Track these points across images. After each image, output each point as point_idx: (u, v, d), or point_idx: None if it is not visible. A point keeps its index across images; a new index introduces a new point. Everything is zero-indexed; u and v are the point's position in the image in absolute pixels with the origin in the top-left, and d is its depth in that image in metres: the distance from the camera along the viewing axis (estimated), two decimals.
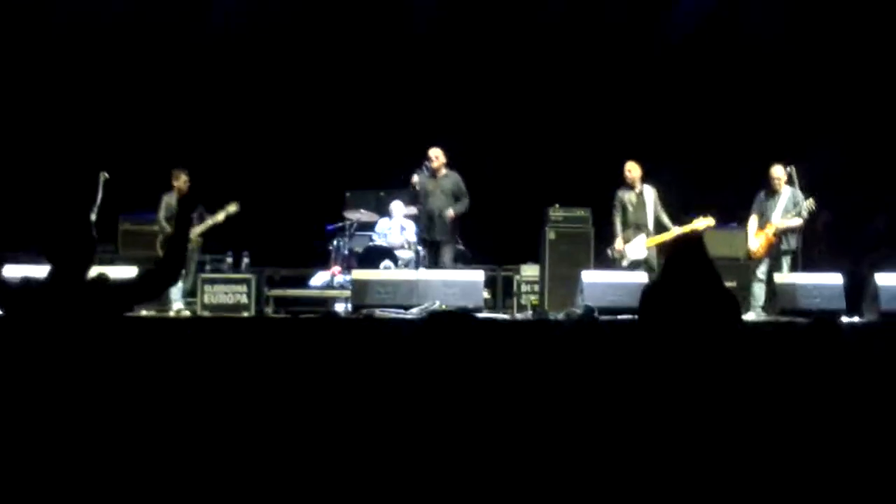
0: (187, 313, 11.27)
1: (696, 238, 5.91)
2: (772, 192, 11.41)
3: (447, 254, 11.70)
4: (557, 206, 12.21)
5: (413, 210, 12.49)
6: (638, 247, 11.38)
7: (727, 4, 14.48)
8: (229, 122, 14.16)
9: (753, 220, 11.44)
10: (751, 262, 11.54)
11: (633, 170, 11.65)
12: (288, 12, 14.31)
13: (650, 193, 11.57)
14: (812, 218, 11.47)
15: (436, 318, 3.18)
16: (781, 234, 11.32)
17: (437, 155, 11.64)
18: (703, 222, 11.17)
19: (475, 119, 14.24)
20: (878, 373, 5.63)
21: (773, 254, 11.35)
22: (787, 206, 11.32)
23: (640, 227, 11.47)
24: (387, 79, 14.47)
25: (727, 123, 14.05)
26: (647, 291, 5.50)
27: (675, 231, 11.17)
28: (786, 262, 11.39)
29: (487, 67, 14.45)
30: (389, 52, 14.50)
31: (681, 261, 5.45)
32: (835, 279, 11.13)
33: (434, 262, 11.66)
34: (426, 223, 11.73)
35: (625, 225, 11.52)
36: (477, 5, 14.53)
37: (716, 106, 14.20)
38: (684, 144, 11.42)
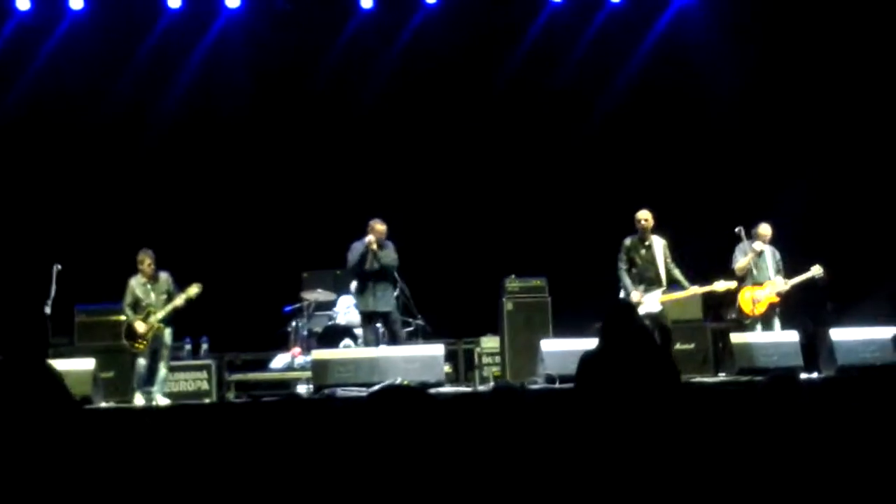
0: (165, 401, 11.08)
1: (626, 306, 6.01)
2: (758, 252, 11.54)
3: (397, 323, 11.70)
4: (513, 276, 12.28)
5: None
6: (653, 300, 10.99)
7: (669, 68, 14.75)
8: (183, 207, 14.16)
9: (749, 281, 11.54)
10: (748, 319, 11.63)
11: (647, 218, 11.21)
12: (242, 99, 14.43)
13: (659, 244, 11.24)
14: (814, 281, 11.70)
15: (380, 395, 3.19)
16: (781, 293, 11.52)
17: (378, 227, 11.57)
18: (723, 284, 11.22)
19: (429, 194, 14.33)
20: (838, 428, 5.68)
21: (770, 312, 11.52)
22: (776, 264, 11.52)
23: (652, 282, 11.11)
24: (340, 157, 14.56)
25: (684, 182, 14.23)
26: (586, 359, 5.57)
27: (695, 290, 11.21)
28: (777, 319, 11.54)
29: (439, 144, 14.59)
30: (342, 132, 14.63)
31: (614, 328, 5.53)
32: (791, 336, 11.27)
33: (385, 334, 11.63)
34: (373, 295, 11.63)
35: (631, 277, 11.13)
36: (428, 82, 14.70)
37: (666, 169, 14.40)
38: (639, 206, 11.44)
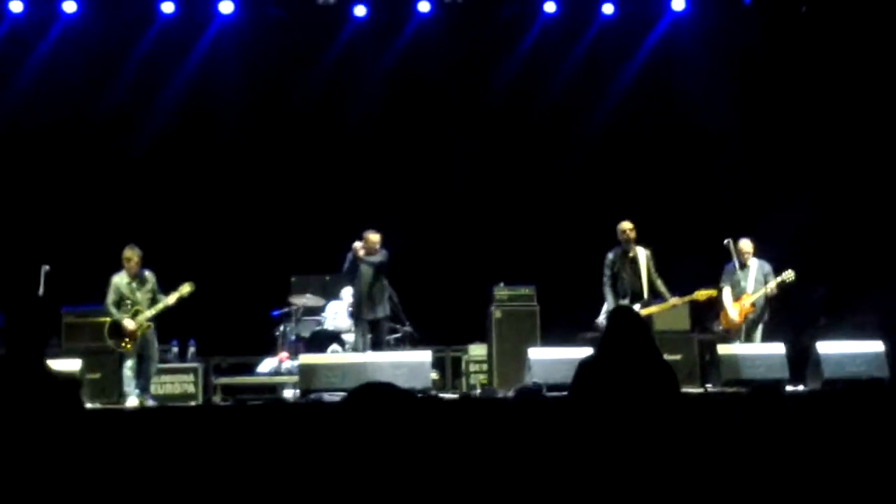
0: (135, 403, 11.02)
1: (632, 311, 5.99)
2: (742, 265, 11.63)
3: (384, 331, 11.75)
4: (502, 284, 12.30)
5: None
6: None
7: (669, 84, 14.83)
8: (173, 209, 14.16)
9: (727, 292, 11.62)
10: (729, 333, 11.70)
11: (629, 229, 11.30)
12: (235, 104, 14.44)
13: (643, 256, 11.29)
14: (808, 293, 11.74)
15: (356, 394, 3.19)
16: (755, 305, 11.57)
17: (371, 237, 11.64)
18: (703, 292, 11.29)
19: (419, 201, 14.35)
20: (822, 441, 5.69)
21: (748, 324, 11.56)
22: (757, 277, 11.58)
23: (635, 296, 11.18)
24: (331, 163, 14.59)
25: (673, 197, 14.30)
26: (582, 366, 5.55)
27: (675, 301, 11.26)
28: (759, 331, 11.63)
29: (430, 152, 14.63)
30: (333, 138, 14.66)
31: (619, 334, 5.51)
32: (777, 349, 11.29)
33: (375, 341, 11.67)
34: (366, 302, 11.70)
35: (616, 291, 11.24)
36: (420, 90, 14.74)
37: (661, 180, 14.47)
38: (626, 218, 11.50)
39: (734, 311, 11.62)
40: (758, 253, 11.80)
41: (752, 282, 11.62)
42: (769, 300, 11.67)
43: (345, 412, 3.05)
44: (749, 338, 11.61)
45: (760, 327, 11.69)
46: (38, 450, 4.15)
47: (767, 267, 11.70)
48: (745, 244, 11.74)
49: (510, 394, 10.65)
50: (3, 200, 13.88)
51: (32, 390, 4.23)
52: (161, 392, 11.38)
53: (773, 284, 11.52)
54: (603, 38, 14.73)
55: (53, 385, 4.30)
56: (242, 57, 14.50)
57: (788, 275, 11.51)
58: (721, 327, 11.91)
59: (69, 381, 4.41)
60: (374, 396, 3.06)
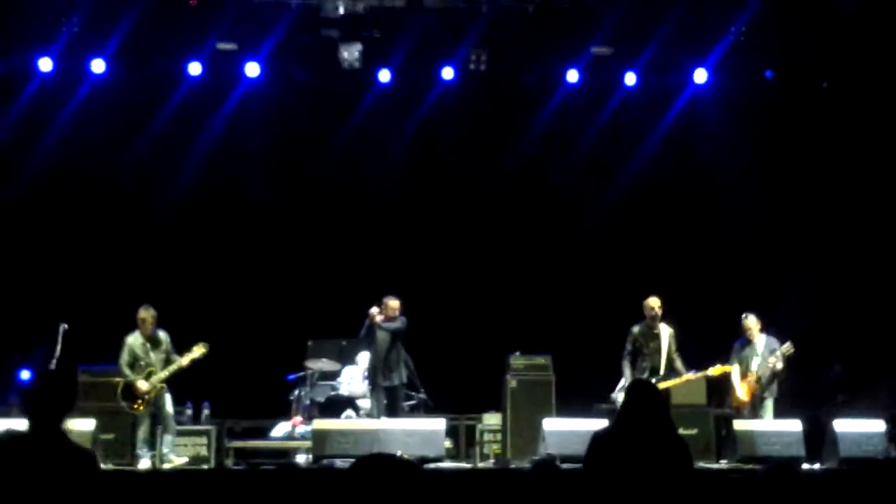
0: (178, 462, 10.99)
1: (651, 385, 5.98)
2: (748, 342, 11.63)
3: (400, 398, 11.73)
4: (518, 353, 12.27)
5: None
6: None
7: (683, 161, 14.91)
8: (191, 271, 14.23)
9: (736, 370, 11.59)
10: (739, 411, 11.65)
11: (657, 306, 11.34)
12: (258, 167, 14.59)
13: (666, 333, 11.34)
14: (825, 371, 11.69)
15: (365, 462, 3.18)
16: (760, 380, 11.51)
17: (390, 303, 11.67)
18: (719, 369, 11.28)
19: (437, 269, 14.40)
20: None
21: (755, 400, 11.52)
22: (764, 353, 11.54)
23: (653, 371, 11.24)
24: (351, 229, 14.67)
25: (690, 270, 14.30)
26: (597, 438, 5.53)
27: (690, 376, 11.23)
28: (768, 406, 11.57)
29: (449, 219, 14.72)
30: (354, 204, 14.75)
31: (637, 407, 5.50)
32: (794, 426, 11.22)
33: (390, 408, 11.64)
34: (383, 369, 11.70)
35: (634, 366, 11.27)
36: (441, 158, 14.86)
37: (679, 252, 14.49)
38: (644, 293, 11.53)
39: (741, 389, 11.59)
40: (765, 329, 11.77)
41: (757, 359, 11.60)
42: (776, 376, 11.60)
43: (351, 480, 3.05)
44: (756, 415, 11.55)
45: (770, 404, 11.62)
46: None
47: (774, 343, 11.64)
48: (752, 321, 11.73)
49: (526, 464, 10.58)
50: (24, 256, 13.97)
51: (53, 461, 4.24)
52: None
53: (773, 360, 11.46)
54: (625, 108, 14.79)
55: (73, 456, 4.30)
56: (267, 119, 14.62)
57: (787, 348, 11.48)
58: (732, 406, 11.88)
59: (88, 453, 4.41)
60: (381, 467, 3.06)
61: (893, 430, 11.05)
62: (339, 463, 10.40)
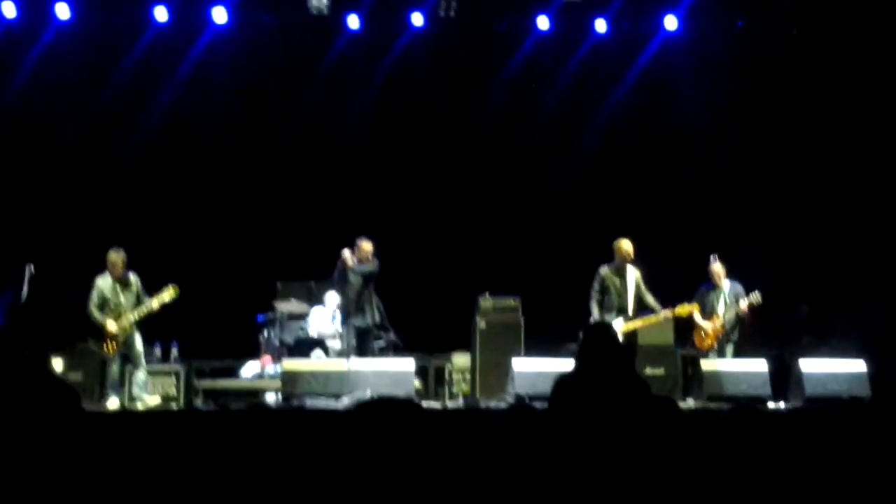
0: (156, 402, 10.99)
1: (606, 327, 6.01)
2: (714, 286, 11.72)
3: (370, 339, 11.77)
4: (487, 295, 12.29)
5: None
6: (616, 328, 10.82)
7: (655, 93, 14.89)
8: (160, 212, 14.14)
9: (696, 311, 11.67)
10: (698, 351, 11.74)
11: (628, 249, 11.32)
12: (226, 111, 14.45)
13: (633, 274, 11.37)
14: (791, 312, 11.80)
15: (368, 407, 3.20)
16: (725, 325, 11.64)
17: (363, 245, 11.65)
18: (685, 307, 11.36)
19: (406, 209, 14.37)
20: (803, 459, 5.71)
21: (718, 343, 11.66)
22: (729, 298, 11.65)
23: (622, 311, 11.25)
24: (321, 171, 14.59)
25: (656, 211, 14.34)
26: (560, 381, 5.56)
27: (661, 315, 11.29)
28: (729, 349, 11.71)
29: (419, 162, 14.67)
30: (323, 146, 14.67)
31: (592, 351, 5.53)
32: (760, 366, 11.35)
33: (361, 348, 11.66)
34: (354, 310, 11.70)
35: (602, 306, 11.30)
36: (411, 101, 14.76)
37: (645, 194, 14.52)
38: (613, 233, 11.56)
39: (706, 330, 11.68)
40: (731, 275, 11.86)
41: (722, 303, 11.70)
42: (739, 321, 11.72)
43: (356, 423, 3.06)
44: (721, 356, 11.68)
45: (731, 347, 11.77)
46: (36, 452, 4.14)
47: (739, 288, 11.75)
48: (717, 266, 11.82)
49: (501, 405, 10.64)
50: None
51: (35, 392, 4.22)
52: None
53: (743, 305, 11.56)
54: (596, 54, 14.74)
55: (55, 392, 4.29)
56: (235, 64, 14.47)
57: (755, 296, 11.59)
58: (691, 347, 12.00)
59: (71, 389, 4.39)
60: (385, 409, 3.07)
61: (874, 369, 11.19)
62: (310, 402, 10.43)
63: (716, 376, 11.27)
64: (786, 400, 11.22)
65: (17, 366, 4.27)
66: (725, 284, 11.78)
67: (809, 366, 11.27)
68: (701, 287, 11.91)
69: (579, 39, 14.71)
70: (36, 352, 4.33)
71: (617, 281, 11.33)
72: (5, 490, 4.05)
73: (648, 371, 11.67)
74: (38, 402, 4.20)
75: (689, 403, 11.12)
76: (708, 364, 11.46)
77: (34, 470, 4.13)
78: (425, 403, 11.69)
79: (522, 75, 14.85)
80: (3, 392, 4.22)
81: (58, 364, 10.74)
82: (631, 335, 11.12)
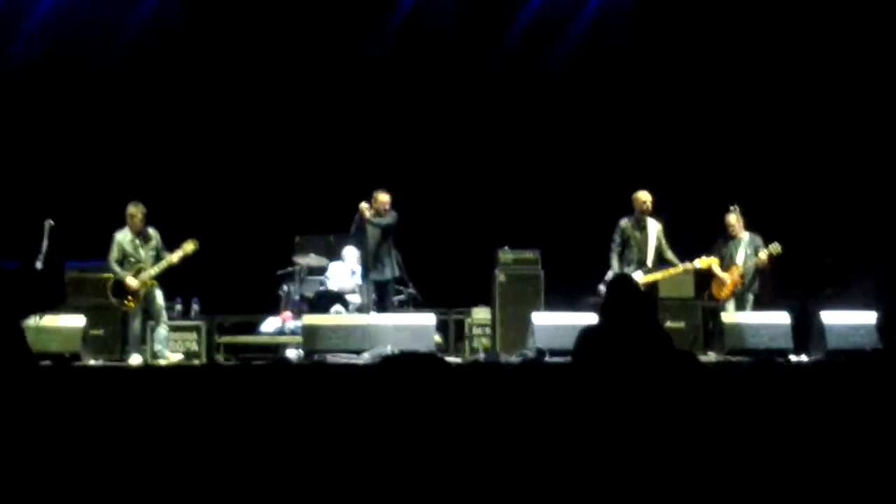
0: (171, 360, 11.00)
1: (629, 279, 5.98)
2: (732, 237, 11.64)
3: (390, 293, 11.76)
4: (507, 248, 12.26)
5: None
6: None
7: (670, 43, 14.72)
8: (178, 165, 14.11)
9: (716, 264, 11.60)
10: (718, 302, 11.70)
11: (647, 200, 11.25)
12: (240, 60, 14.37)
13: (654, 227, 11.29)
14: (815, 263, 11.71)
15: (393, 361, 3.19)
16: (745, 276, 11.55)
17: (380, 197, 11.59)
18: (705, 260, 11.30)
19: (425, 162, 14.30)
20: (825, 411, 5.69)
21: (738, 295, 11.57)
22: (748, 249, 11.56)
23: (641, 264, 11.17)
24: (338, 123, 14.51)
25: (677, 163, 14.22)
26: (584, 334, 5.54)
27: (680, 268, 11.23)
28: (749, 301, 11.61)
29: (438, 113, 14.55)
30: (339, 97, 14.57)
31: (616, 303, 5.50)
32: (782, 318, 11.28)
33: (380, 302, 11.65)
34: (373, 264, 11.68)
35: (622, 259, 11.23)
36: (428, 51, 14.64)
37: (665, 146, 14.39)
38: (633, 186, 11.48)
39: (725, 280, 11.62)
40: (749, 226, 11.77)
41: (741, 254, 11.62)
42: (759, 272, 11.64)
43: (383, 377, 3.04)
44: (740, 308, 11.62)
45: (751, 298, 11.68)
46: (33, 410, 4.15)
47: (758, 239, 11.65)
48: (732, 217, 11.72)
49: (515, 358, 10.65)
50: (5, 152, 13.82)
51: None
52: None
53: (763, 256, 11.48)
54: (608, 9, 14.60)
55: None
56: (251, 15, 14.38)
57: (775, 247, 11.47)
58: (708, 298, 11.95)
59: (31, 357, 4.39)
60: (410, 363, 3.05)
61: (883, 322, 11.12)
62: (331, 357, 10.46)
63: (737, 329, 11.22)
64: (808, 353, 11.16)
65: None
66: (744, 235, 11.69)
67: (831, 318, 11.20)
68: (719, 238, 11.83)
69: None
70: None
71: (637, 234, 11.25)
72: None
73: (669, 324, 11.62)
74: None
75: (710, 357, 11.08)
76: (729, 317, 11.41)
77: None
78: (446, 358, 11.71)
79: (542, 18, 14.65)
80: None
81: (79, 320, 10.76)
82: (651, 288, 11.05)
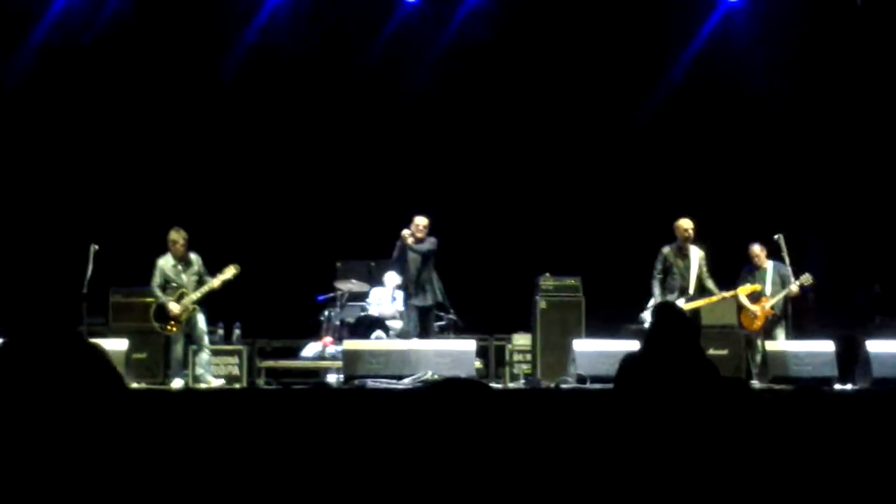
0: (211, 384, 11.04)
1: (676, 307, 5.94)
2: (756, 268, 11.63)
3: (432, 318, 11.76)
4: (548, 275, 12.24)
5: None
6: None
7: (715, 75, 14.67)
8: (220, 191, 14.20)
9: (743, 295, 11.56)
10: (751, 333, 11.64)
11: (689, 228, 11.29)
12: (284, 87, 14.47)
13: (696, 254, 11.29)
14: (862, 291, 11.69)
15: (441, 387, 3.18)
16: (774, 308, 11.56)
17: (420, 222, 11.63)
18: (748, 289, 11.26)
19: (466, 189, 14.33)
20: (869, 441, 5.62)
21: (766, 325, 11.52)
22: (773, 279, 11.51)
23: (683, 292, 11.19)
24: (379, 149, 14.57)
25: (716, 196, 14.15)
26: (626, 361, 5.51)
27: (721, 296, 11.21)
28: (780, 330, 11.54)
29: (480, 139, 14.57)
30: (381, 123, 14.63)
31: (662, 330, 5.47)
32: (826, 346, 11.18)
33: (422, 328, 11.66)
34: (415, 290, 11.71)
35: (664, 287, 11.28)
36: (470, 76, 14.68)
37: (704, 178, 14.32)
38: (672, 215, 11.46)
39: (754, 312, 11.57)
40: (771, 255, 11.78)
41: (769, 284, 11.58)
42: (789, 302, 11.58)
43: (429, 404, 3.04)
44: (769, 338, 11.58)
45: (782, 329, 11.61)
46: (82, 430, 4.17)
47: (785, 269, 11.60)
48: (757, 248, 11.70)
49: (563, 386, 10.62)
50: (53, 178, 13.98)
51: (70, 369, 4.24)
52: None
53: (794, 287, 11.43)
54: (656, 25, 14.56)
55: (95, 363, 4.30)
56: (294, 38, 14.45)
57: (806, 278, 11.49)
58: (742, 327, 11.89)
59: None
60: (457, 390, 3.04)
61: None
62: (371, 383, 10.46)
63: (781, 357, 11.14)
64: (853, 382, 11.04)
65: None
66: (769, 265, 11.66)
67: (877, 347, 11.07)
68: (743, 270, 11.82)
69: (640, 7, 14.49)
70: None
71: (680, 261, 11.24)
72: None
73: (712, 352, 11.52)
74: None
75: (756, 384, 10.99)
76: (773, 345, 11.34)
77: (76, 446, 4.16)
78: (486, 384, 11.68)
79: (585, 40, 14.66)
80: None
81: (122, 344, 10.85)
82: (694, 315, 11.00)
